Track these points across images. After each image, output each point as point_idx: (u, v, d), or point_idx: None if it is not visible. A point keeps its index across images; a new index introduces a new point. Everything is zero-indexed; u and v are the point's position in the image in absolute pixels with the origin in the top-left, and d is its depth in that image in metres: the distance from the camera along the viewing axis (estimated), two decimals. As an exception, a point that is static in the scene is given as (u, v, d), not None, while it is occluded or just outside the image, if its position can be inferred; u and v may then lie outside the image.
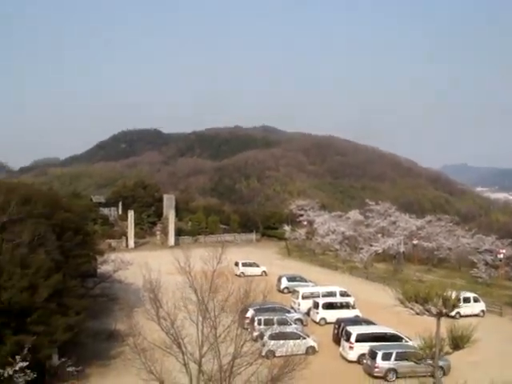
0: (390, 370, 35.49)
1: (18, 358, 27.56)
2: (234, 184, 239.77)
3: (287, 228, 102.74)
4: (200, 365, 23.82)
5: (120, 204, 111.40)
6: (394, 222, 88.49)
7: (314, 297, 52.17)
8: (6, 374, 27.07)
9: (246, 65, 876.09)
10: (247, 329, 29.13)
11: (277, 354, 29.78)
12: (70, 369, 32.16)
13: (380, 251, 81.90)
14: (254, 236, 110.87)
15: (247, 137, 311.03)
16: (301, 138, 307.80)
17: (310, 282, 62.74)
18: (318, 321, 49.21)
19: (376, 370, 35.66)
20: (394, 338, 39.26)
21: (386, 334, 39.92)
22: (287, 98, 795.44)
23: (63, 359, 32.59)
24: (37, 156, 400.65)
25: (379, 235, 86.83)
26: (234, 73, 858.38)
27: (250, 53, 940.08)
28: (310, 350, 39.23)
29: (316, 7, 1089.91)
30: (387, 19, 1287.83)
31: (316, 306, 49.99)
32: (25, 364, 27.72)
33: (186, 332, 24.71)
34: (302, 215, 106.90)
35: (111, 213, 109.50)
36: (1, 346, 28.25)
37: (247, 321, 38.04)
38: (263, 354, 26.72)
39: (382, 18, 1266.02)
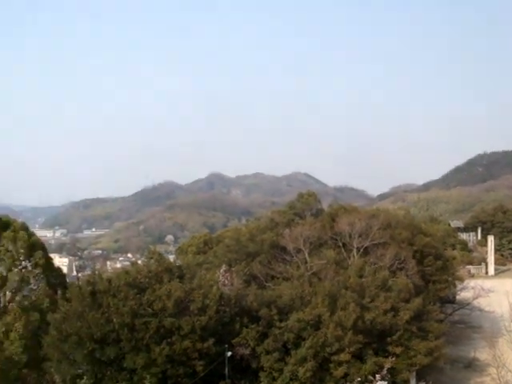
0: None
1: (377, 376, 28.08)
2: None
3: None
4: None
5: (479, 229, 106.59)
6: None
7: None
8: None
9: None
10: None
11: None
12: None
13: None
14: None
15: None
16: None
17: None
18: None
19: None
20: None
21: None
22: None
23: (421, 383, 31.97)
24: (395, 182, 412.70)
25: None
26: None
27: None
28: None
29: None
30: None
31: None
32: (384, 383, 28.07)
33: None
34: None
35: (470, 238, 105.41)
36: (362, 365, 29.09)
37: None
38: None
39: None
